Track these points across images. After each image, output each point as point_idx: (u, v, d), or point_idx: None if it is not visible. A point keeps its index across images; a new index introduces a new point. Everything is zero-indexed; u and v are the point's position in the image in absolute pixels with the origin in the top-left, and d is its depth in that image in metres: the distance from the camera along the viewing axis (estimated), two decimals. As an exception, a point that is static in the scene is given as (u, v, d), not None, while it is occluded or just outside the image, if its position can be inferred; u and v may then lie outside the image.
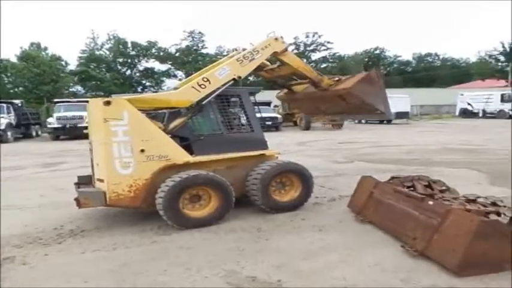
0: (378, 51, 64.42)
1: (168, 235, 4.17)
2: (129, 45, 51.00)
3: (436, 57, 67.03)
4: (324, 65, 54.58)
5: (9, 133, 19.50)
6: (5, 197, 6.26)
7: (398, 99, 28.80)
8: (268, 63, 5.89)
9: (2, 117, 19.56)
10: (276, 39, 5.28)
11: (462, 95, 35.13)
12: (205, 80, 4.64)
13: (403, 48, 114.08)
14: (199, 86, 4.59)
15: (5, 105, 20.82)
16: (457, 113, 35.00)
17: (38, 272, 3.33)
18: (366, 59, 63.51)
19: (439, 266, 3.10)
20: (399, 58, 65.72)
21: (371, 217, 4.35)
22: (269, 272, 3.14)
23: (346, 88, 5.33)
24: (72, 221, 4.77)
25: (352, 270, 3.15)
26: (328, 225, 4.37)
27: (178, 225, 4.29)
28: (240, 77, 4.86)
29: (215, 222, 4.44)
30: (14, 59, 41.06)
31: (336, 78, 5.74)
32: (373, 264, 3.26)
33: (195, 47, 53.31)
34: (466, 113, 33.25)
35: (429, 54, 66.90)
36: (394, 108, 28.29)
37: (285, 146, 13.19)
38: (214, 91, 4.68)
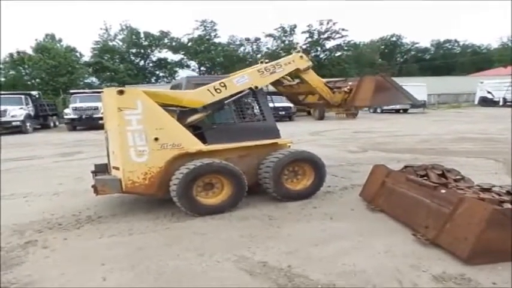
0: (394, 38, 63.02)
1: (181, 222, 4.27)
2: (142, 35, 51.25)
3: (456, 44, 65.16)
4: (338, 53, 53.67)
5: (28, 124, 20.01)
6: (26, 185, 6.49)
7: (414, 88, 28.20)
8: (288, 78, 5.95)
9: (21, 108, 20.08)
10: (301, 56, 5.37)
11: (482, 82, 34.15)
12: (222, 85, 4.70)
13: (421, 35, 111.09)
14: (215, 89, 4.65)
15: (23, 96, 21.32)
16: (476, 102, 34.11)
17: (59, 254, 3.47)
18: (382, 47, 62.25)
19: (451, 254, 3.09)
20: (417, 45, 64.21)
21: (383, 206, 4.35)
22: (280, 258, 3.20)
23: (365, 105, 5.48)
24: (90, 207, 4.93)
25: (362, 257, 3.17)
26: (339, 214, 4.39)
27: (192, 212, 4.38)
28: (256, 87, 4.93)
29: (228, 210, 4.52)
30: (30, 51, 41.86)
31: (346, 88, 5.60)
32: (384, 251, 3.27)
33: (207, 37, 53.15)
34: (486, 102, 32.35)
35: (448, 41, 65.03)
36: (410, 97, 27.87)
37: (298, 135, 13.18)
38: (228, 97, 4.74)
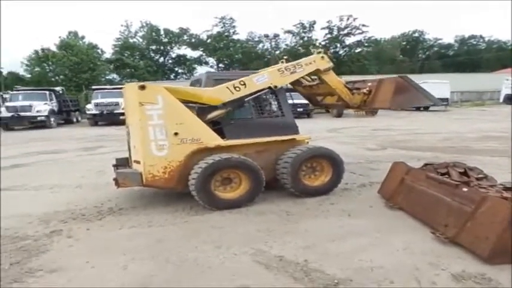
0: (416, 34, 61.61)
1: (199, 215, 4.34)
2: (162, 32, 51.89)
3: (481, 40, 63.03)
4: (358, 50, 52.88)
5: (52, 119, 20.61)
6: (51, 178, 6.73)
7: (436, 85, 27.51)
8: (308, 78, 5.94)
9: (45, 104, 20.69)
10: (323, 57, 5.35)
11: (507, 79, 32.95)
12: (241, 83, 4.73)
13: (444, 30, 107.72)
14: (234, 88, 4.69)
15: (47, 92, 21.94)
16: (501, 100, 32.97)
17: (82, 244, 3.60)
18: (404, 43, 60.98)
19: (471, 253, 3.04)
20: (440, 41, 62.57)
21: (401, 203, 4.30)
22: (296, 253, 3.22)
23: (385, 107, 5.30)
24: (111, 199, 5.07)
25: (380, 253, 3.16)
26: (357, 210, 4.37)
27: (210, 206, 4.45)
28: (276, 87, 4.93)
29: (245, 205, 4.56)
30: (54, 48, 43.02)
31: (365, 90, 5.51)
32: (402, 248, 3.25)
33: (226, 33, 53.33)
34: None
35: (473, 37, 63.01)
36: (431, 95, 27.23)
37: (316, 132, 13.08)
38: (247, 95, 4.76)
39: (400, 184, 4.46)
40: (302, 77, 5.55)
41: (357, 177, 6.08)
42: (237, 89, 4.69)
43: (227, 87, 4.66)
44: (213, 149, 4.56)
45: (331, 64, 5.45)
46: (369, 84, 5.59)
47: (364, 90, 5.50)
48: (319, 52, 5.36)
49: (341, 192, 5.16)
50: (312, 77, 6.03)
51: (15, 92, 22.27)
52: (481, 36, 62.76)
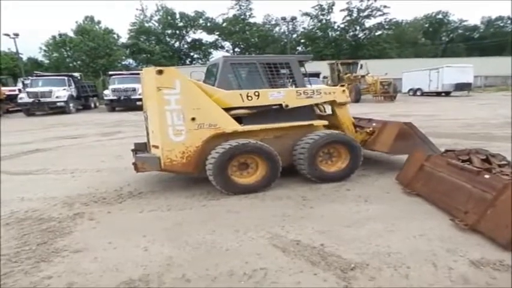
0: (440, 16, 59.43)
1: (216, 199, 4.40)
2: (177, 16, 51.71)
3: (509, 22, 60.24)
4: (378, 32, 51.47)
5: (71, 104, 21.05)
6: (72, 162, 6.92)
7: (459, 69, 26.74)
8: (321, 107, 5.95)
9: (64, 89, 21.09)
10: (344, 91, 5.44)
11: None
12: (256, 94, 4.70)
13: (471, 11, 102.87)
14: (247, 96, 4.66)
15: (65, 78, 22.34)
16: (526, 84, 31.84)
17: (103, 226, 3.72)
18: (427, 25, 59.00)
19: (490, 240, 3.00)
20: (465, 23, 60.18)
21: (420, 190, 4.25)
22: (313, 237, 3.24)
23: (383, 151, 5.38)
24: (130, 184, 5.18)
25: (397, 239, 3.15)
26: (374, 196, 4.35)
27: (227, 191, 4.50)
28: (287, 106, 4.86)
29: (261, 190, 4.60)
30: (71, 34, 43.54)
31: (368, 130, 5.65)
32: (419, 234, 3.23)
33: (242, 16, 52.72)
34: (537, 84, 30.08)
35: (500, 18, 60.22)
36: (453, 79, 26.45)
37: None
38: (256, 106, 4.71)
39: (419, 170, 4.40)
40: (316, 105, 5.53)
41: (375, 163, 6.02)
42: (249, 98, 4.67)
43: (240, 94, 4.64)
44: (230, 135, 4.59)
45: (348, 99, 5.56)
46: (374, 124, 5.79)
47: (368, 130, 5.66)
48: (343, 85, 5.37)
49: (358, 178, 5.13)
50: None
51: (35, 77, 22.77)
52: (508, 18, 59.98)
